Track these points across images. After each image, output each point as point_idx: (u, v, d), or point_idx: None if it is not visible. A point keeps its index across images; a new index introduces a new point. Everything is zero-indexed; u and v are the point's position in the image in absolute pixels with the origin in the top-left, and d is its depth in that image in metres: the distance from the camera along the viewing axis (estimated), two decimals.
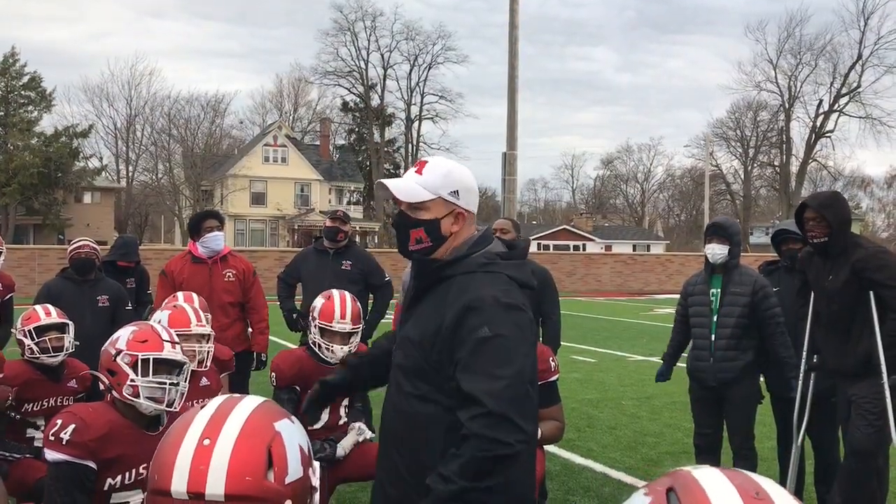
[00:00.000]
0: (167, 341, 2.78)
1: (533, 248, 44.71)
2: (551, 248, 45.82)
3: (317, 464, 1.42)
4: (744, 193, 59.58)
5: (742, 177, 59.77)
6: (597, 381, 9.76)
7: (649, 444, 6.64)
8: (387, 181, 2.26)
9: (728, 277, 4.67)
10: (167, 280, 5.47)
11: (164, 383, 2.71)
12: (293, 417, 1.41)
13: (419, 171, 2.25)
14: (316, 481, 1.37)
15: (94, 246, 5.67)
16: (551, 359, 3.96)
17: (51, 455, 2.61)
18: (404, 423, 2.22)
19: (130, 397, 2.69)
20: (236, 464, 1.25)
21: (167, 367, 2.75)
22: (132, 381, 2.68)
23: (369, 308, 6.01)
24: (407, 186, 2.23)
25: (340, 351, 3.90)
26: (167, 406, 2.73)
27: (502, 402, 1.98)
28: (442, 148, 58.14)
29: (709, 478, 0.96)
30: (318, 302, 4.00)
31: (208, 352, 3.87)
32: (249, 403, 1.37)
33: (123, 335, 2.78)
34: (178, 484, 1.25)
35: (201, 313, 3.89)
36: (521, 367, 2.05)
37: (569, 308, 21.04)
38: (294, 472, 1.31)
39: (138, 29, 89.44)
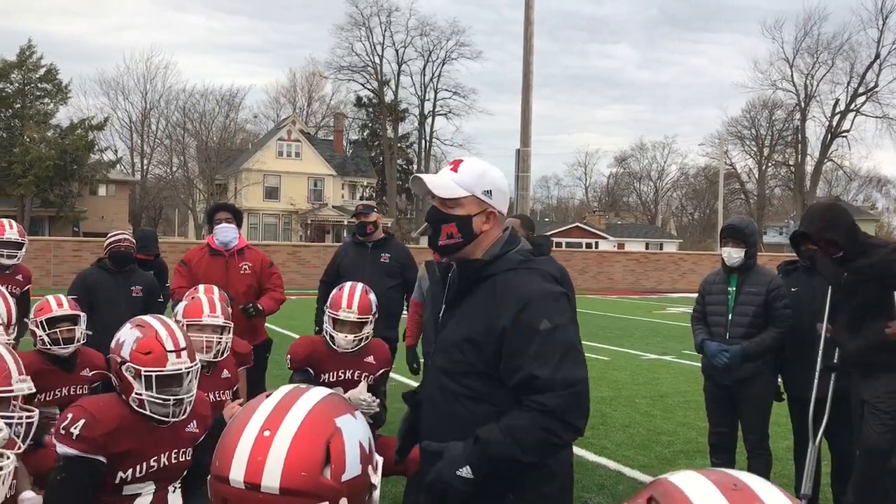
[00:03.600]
0: (171, 351, 2.70)
1: None
2: (563, 245, 45.66)
3: (379, 460, 1.40)
4: (758, 193, 59.21)
5: (756, 176, 59.39)
6: (610, 379, 9.74)
7: (663, 443, 6.62)
8: (423, 175, 2.32)
9: (744, 277, 4.67)
10: (185, 269, 5.56)
11: (168, 401, 2.68)
12: (357, 413, 1.38)
13: (454, 169, 2.31)
14: (376, 479, 1.35)
15: (132, 239, 5.87)
16: None
17: (61, 448, 2.62)
18: (455, 426, 2.23)
19: (137, 408, 2.69)
20: (293, 458, 1.24)
21: (173, 381, 2.71)
22: (138, 393, 2.67)
23: (405, 303, 6.04)
24: (443, 182, 2.28)
25: (344, 340, 3.95)
26: (175, 417, 2.72)
27: (579, 393, 2.12)
28: (455, 144, 58.14)
29: (686, 479, 0.96)
30: (333, 292, 4.07)
31: (227, 343, 3.88)
32: (313, 396, 1.35)
33: (128, 341, 2.72)
34: (236, 472, 1.25)
35: (217, 304, 3.89)
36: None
37: (581, 306, 20.74)
38: (352, 469, 1.29)
39: (159, 22, 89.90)
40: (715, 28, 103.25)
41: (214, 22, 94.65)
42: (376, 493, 1.35)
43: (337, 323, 3.98)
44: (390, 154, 52.98)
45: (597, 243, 48.10)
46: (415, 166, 56.94)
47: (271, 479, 1.23)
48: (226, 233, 5.55)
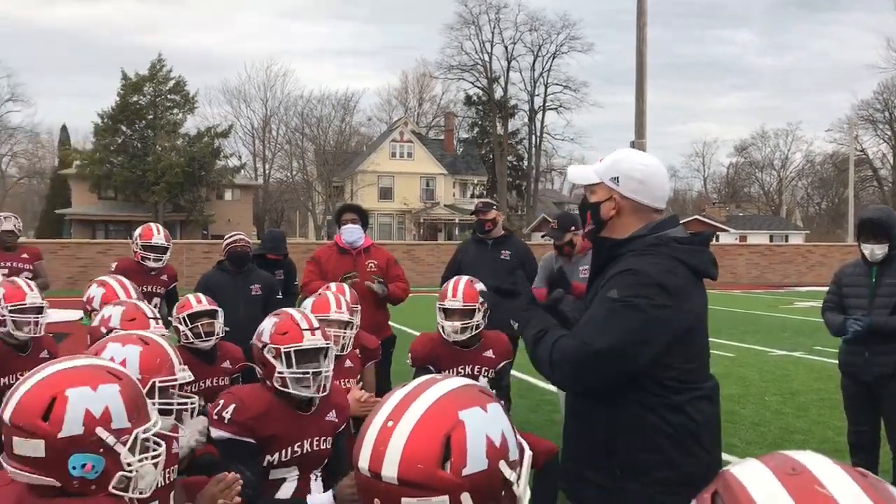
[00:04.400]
0: (306, 329, 2.88)
1: None
2: None
3: (527, 455, 1.35)
4: (893, 179, 55.57)
5: (891, 161, 55.77)
6: (737, 375, 9.41)
7: (797, 442, 6.36)
8: (570, 167, 2.47)
9: (884, 268, 4.44)
10: (314, 264, 5.81)
11: (308, 373, 2.83)
12: (491, 405, 1.34)
13: (602, 159, 2.40)
14: (511, 474, 1.30)
15: (248, 240, 6.11)
16: None
17: (215, 432, 2.82)
18: (579, 401, 2.37)
19: (281, 387, 2.84)
20: (411, 450, 1.25)
21: (310, 355, 2.87)
22: (279, 372, 2.83)
23: None
24: (582, 170, 2.42)
25: (451, 327, 4.05)
26: (316, 392, 2.86)
27: (596, 353, 2.12)
28: (566, 138, 57.70)
29: (746, 469, 0.96)
30: (443, 287, 4.20)
31: (350, 338, 4.04)
32: (442, 388, 1.34)
33: (267, 327, 2.93)
34: (363, 461, 1.28)
35: (343, 301, 4.06)
36: (620, 332, 2.12)
37: None
38: (475, 463, 1.26)
39: (278, 31, 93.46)
40: (842, 7, 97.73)
41: (329, 28, 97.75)
42: (518, 489, 1.31)
43: (446, 313, 4.11)
44: (500, 151, 52.99)
45: (717, 236, 46.53)
46: (525, 162, 56.75)
47: (390, 469, 1.25)
48: (351, 233, 5.76)
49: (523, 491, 1.32)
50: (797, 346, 11.96)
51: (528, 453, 1.36)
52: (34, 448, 1.73)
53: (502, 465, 1.29)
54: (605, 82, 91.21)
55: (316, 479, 3.03)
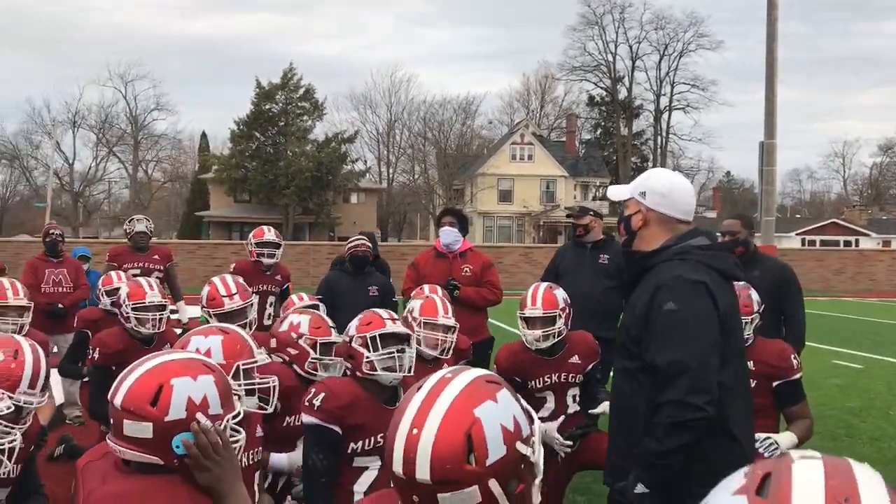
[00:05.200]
0: (387, 319, 3.16)
1: (797, 243, 41.43)
2: (818, 243, 42.08)
3: (537, 423, 1.47)
4: None
5: None
6: (861, 388, 8.91)
7: None
8: (610, 186, 2.78)
9: None
10: (413, 271, 6.01)
11: (393, 353, 3.07)
12: (500, 393, 1.46)
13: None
14: (527, 449, 1.43)
15: (368, 244, 6.41)
16: (793, 356, 3.83)
17: (305, 418, 3.08)
18: (618, 397, 2.60)
19: (369, 372, 3.07)
20: (438, 453, 1.39)
21: (394, 339, 3.11)
22: (367, 358, 3.06)
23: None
24: (618, 188, 2.72)
25: (532, 336, 4.05)
26: (400, 372, 3.08)
27: (688, 371, 2.29)
28: (693, 139, 55.88)
29: (804, 471, 0.92)
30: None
31: (451, 342, 4.17)
32: (454, 388, 1.46)
33: (352, 325, 3.20)
34: (397, 466, 1.43)
35: (448, 305, 4.19)
36: (706, 339, 2.34)
37: (833, 308, 19.18)
38: (495, 452, 1.40)
39: (403, 38, 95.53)
40: None
41: (452, 33, 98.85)
42: (534, 457, 1.44)
43: (527, 322, 4.10)
44: (624, 152, 52.06)
45: (857, 241, 43.80)
46: (650, 164, 55.43)
47: (423, 473, 1.40)
48: (447, 235, 5.93)
49: (539, 457, 1.46)
50: None
51: (537, 422, 1.49)
52: (143, 430, 1.95)
53: (518, 444, 1.43)
54: (735, 80, 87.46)
55: None
